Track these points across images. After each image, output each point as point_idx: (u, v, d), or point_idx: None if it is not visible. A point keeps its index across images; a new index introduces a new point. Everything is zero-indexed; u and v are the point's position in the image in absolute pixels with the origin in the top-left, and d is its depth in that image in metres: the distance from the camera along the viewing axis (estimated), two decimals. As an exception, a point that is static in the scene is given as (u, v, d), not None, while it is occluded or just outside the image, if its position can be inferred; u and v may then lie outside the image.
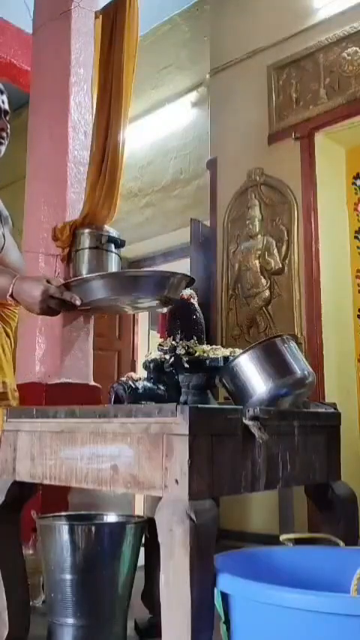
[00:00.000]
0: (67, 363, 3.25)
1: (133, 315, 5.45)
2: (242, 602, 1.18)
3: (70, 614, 1.76)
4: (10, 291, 1.68)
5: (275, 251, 3.83)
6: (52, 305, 1.63)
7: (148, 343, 5.46)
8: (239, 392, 1.60)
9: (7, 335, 2.04)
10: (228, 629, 1.20)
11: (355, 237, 3.85)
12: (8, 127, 2.09)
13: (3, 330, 2.01)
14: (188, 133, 4.85)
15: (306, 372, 1.62)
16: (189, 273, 4.23)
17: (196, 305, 1.86)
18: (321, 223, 3.71)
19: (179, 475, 1.25)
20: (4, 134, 2.06)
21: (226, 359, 1.67)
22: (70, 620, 1.76)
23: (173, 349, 1.71)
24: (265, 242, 3.90)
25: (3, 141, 2.06)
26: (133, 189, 5.13)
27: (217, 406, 1.60)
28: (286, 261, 3.77)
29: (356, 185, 3.89)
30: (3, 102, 2.05)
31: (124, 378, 1.69)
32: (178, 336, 1.78)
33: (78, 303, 1.62)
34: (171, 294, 1.72)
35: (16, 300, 1.69)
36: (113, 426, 1.41)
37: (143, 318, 5.57)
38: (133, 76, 3.44)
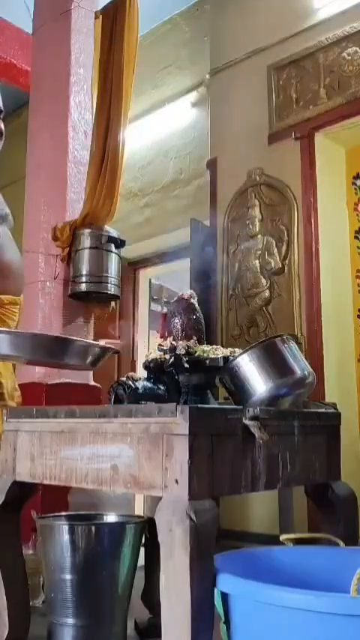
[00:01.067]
0: (67, 363, 3.25)
1: (133, 315, 5.45)
2: (242, 602, 1.18)
3: (70, 614, 1.76)
4: None
5: (275, 251, 3.83)
6: None
7: (148, 343, 5.45)
8: (239, 392, 1.60)
9: None
10: (228, 629, 1.20)
11: (355, 237, 3.85)
12: (2, 125, 2.07)
13: None
14: (188, 133, 4.85)
15: (306, 372, 1.62)
16: (189, 273, 4.27)
17: (196, 305, 1.86)
18: (321, 223, 3.70)
19: (179, 475, 1.25)
20: None
21: (226, 359, 1.67)
22: (70, 620, 1.76)
23: (173, 349, 1.71)
24: (265, 242, 3.90)
25: None
26: (133, 189, 5.13)
27: (217, 406, 1.60)
28: (286, 261, 3.77)
29: (356, 185, 3.89)
30: None
31: (124, 378, 1.69)
32: (178, 336, 1.78)
33: None
34: (82, 363, 1.66)
35: None
36: (113, 426, 1.41)
37: (143, 318, 5.57)
38: (133, 76, 3.44)
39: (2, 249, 1.99)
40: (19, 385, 2.16)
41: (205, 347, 1.73)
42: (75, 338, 1.73)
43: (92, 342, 1.75)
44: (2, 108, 2.07)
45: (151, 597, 1.92)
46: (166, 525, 1.22)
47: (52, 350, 1.64)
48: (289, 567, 1.41)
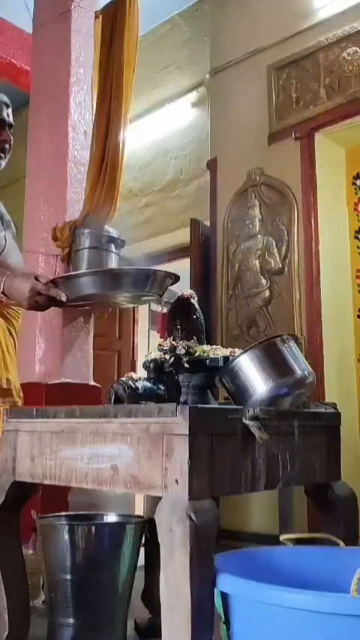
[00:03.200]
0: (67, 363, 3.26)
1: (133, 315, 5.45)
2: (242, 602, 1.18)
3: (70, 614, 1.76)
4: (2, 288, 1.76)
5: (275, 251, 3.83)
6: (40, 301, 1.72)
7: (148, 343, 5.45)
8: (239, 392, 1.60)
9: (11, 334, 2.05)
10: (228, 629, 1.20)
11: (355, 237, 3.85)
12: (12, 139, 2.11)
13: (6, 329, 2.02)
14: (188, 133, 4.85)
15: (306, 372, 1.62)
16: (189, 273, 4.27)
17: (196, 305, 1.86)
18: (321, 223, 3.70)
19: (179, 475, 1.25)
20: (7, 146, 2.09)
21: (226, 359, 1.67)
22: (70, 620, 1.75)
23: (173, 349, 1.71)
24: (265, 242, 3.89)
25: (4, 154, 2.08)
26: (133, 189, 5.13)
27: (217, 406, 1.60)
28: (286, 261, 3.77)
29: (356, 185, 3.89)
30: (8, 115, 2.09)
31: (124, 378, 1.69)
32: (178, 336, 1.78)
33: (64, 299, 1.71)
34: (154, 290, 1.82)
35: (7, 296, 1.78)
36: (113, 426, 1.41)
37: (143, 318, 5.57)
38: (133, 76, 3.44)
39: (7, 253, 2.03)
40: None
41: (205, 347, 1.73)
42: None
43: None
44: (13, 122, 2.12)
45: (151, 597, 1.92)
46: (166, 525, 1.22)
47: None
48: (289, 567, 1.41)
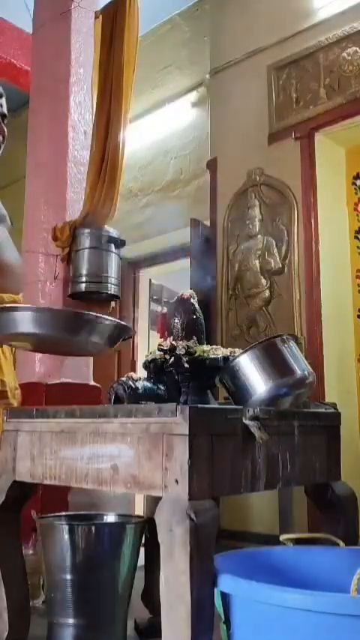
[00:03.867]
0: (67, 363, 3.25)
1: (133, 314, 5.45)
2: (242, 602, 1.18)
3: (70, 614, 1.76)
4: None
5: (275, 251, 3.83)
6: None
7: (148, 343, 5.45)
8: (239, 392, 1.60)
9: None
10: (228, 629, 1.20)
11: (355, 237, 3.85)
12: (5, 130, 2.08)
13: None
14: (188, 133, 4.85)
15: (306, 372, 1.62)
16: (189, 273, 4.26)
17: (196, 305, 1.86)
18: (321, 223, 3.70)
19: (179, 475, 1.25)
20: (1, 137, 2.05)
21: (226, 359, 1.67)
22: (70, 620, 1.76)
23: (173, 349, 1.71)
24: (265, 242, 3.89)
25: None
26: (133, 189, 5.13)
27: (217, 406, 1.60)
28: (286, 261, 3.77)
29: (356, 185, 3.89)
30: (1, 105, 2.04)
31: (124, 378, 1.69)
32: (178, 336, 1.78)
33: None
34: (97, 340, 1.56)
35: None
36: (113, 426, 1.41)
37: (143, 318, 5.56)
38: (133, 76, 3.44)
39: (2, 244, 1.99)
40: (19, 385, 2.16)
41: (205, 347, 1.73)
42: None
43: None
44: (6, 113, 2.08)
45: (151, 597, 1.93)
46: (166, 525, 1.22)
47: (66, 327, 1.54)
48: (289, 567, 1.41)
